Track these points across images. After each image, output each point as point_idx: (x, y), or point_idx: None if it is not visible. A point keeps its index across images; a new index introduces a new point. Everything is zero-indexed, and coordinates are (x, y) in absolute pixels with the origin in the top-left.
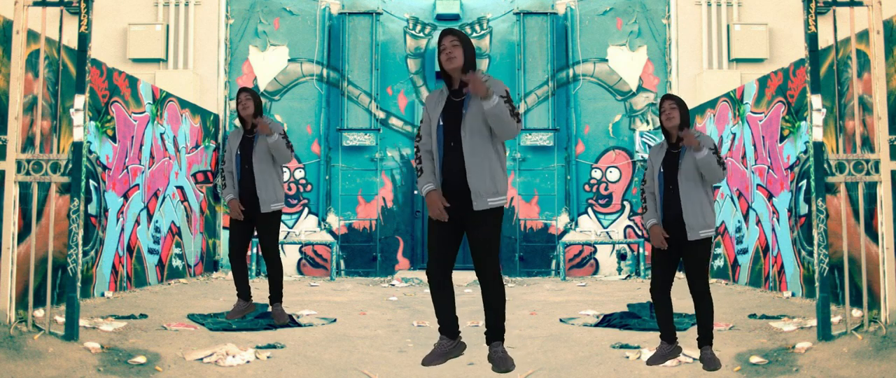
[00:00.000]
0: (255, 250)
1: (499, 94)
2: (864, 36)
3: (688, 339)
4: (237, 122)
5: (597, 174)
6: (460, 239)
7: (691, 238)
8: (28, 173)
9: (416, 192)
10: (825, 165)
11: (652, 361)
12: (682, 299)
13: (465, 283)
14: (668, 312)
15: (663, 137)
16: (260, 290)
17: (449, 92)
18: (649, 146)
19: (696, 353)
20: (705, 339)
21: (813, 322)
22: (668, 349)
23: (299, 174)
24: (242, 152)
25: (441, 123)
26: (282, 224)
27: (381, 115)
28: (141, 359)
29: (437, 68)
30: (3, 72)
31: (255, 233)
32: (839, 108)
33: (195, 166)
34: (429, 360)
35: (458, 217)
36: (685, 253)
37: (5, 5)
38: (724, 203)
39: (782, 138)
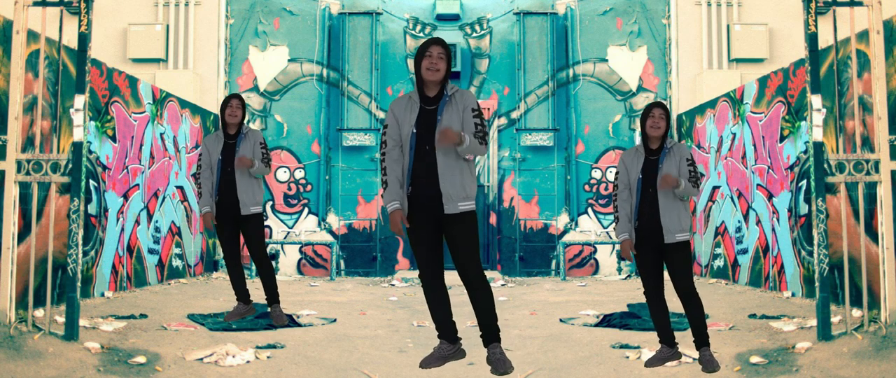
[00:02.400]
0: None
1: (471, 106)
2: (864, 36)
3: (687, 339)
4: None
5: (597, 174)
6: (441, 240)
7: (668, 240)
8: (28, 173)
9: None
10: (825, 165)
11: (651, 363)
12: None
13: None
14: (664, 316)
15: (640, 142)
16: (259, 290)
17: (421, 100)
18: None
19: (696, 354)
20: (701, 341)
21: (813, 322)
22: (669, 352)
23: (299, 174)
24: (224, 157)
25: (415, 131)
26: (281, 224)
27: (381, 115)
28: (141, 359)
29: (413, 71)
30: (3, 72)
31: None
32: (839, 108)
33: (195, 166)
34: (427, 363)
35: (434, 220)
36: (666, 257)
37: (5, 5)
38: (724, 203)
39: (782, 138)
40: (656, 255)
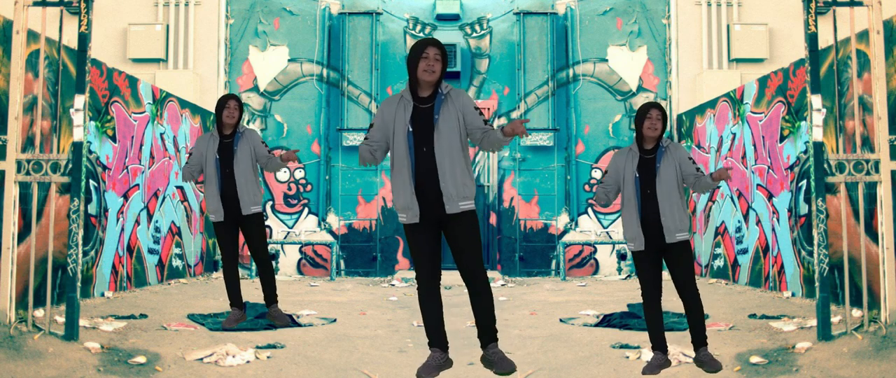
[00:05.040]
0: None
1: (471, 106)
2: (864, 36)
3: (688, 338)
4: (214, 127)
5: (597, 174)
6: (440, 246)
7: (669, 240)
8: (28, 173)
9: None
10: (825, 165)
11: (647, 371)
12: (679, 298)
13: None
14: (660, 322)
15: (634, 143)
16: (258, 290)
17: (415, 100)
18: None
19: (695, 354)
20: (700, 342)
21: (813, 322)
22: (662, 359)
23: (299, 174)
24: (222, 157)
25: (410, 130)
26: (281, 224)
27: None
28: (141, 359)
29: (407, 68)
30: (3, 72)
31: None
32: (839, 108)
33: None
34: (424, 372)
35: (435, 221)
36: (669, 257)
37: (5, 5)
38: (724, 203)
39: (782, 138)
40: (657, 258)
